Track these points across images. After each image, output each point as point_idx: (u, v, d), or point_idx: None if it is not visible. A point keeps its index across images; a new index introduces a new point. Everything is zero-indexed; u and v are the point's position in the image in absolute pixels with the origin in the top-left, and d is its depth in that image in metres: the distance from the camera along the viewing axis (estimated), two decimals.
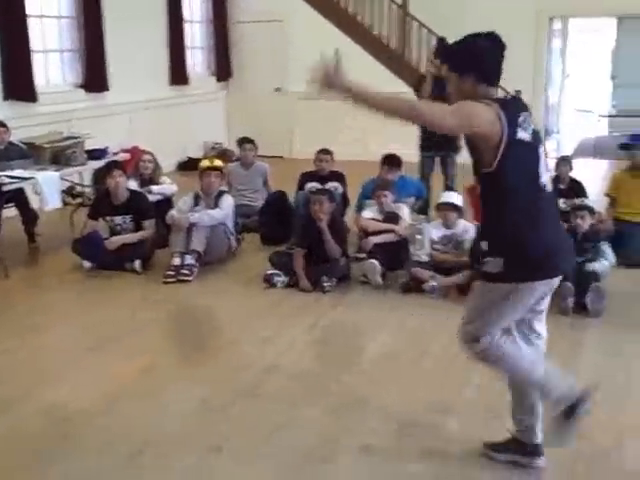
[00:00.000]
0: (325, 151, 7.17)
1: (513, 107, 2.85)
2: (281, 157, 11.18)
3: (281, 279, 5.66)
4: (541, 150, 2.93)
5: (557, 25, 12.09)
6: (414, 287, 5.49)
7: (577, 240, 5.27)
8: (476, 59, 2.87)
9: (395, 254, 5.83)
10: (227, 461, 3.34)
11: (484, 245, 2.95)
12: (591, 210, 5.51)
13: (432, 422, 3.61)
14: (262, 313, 5.24)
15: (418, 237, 5.76)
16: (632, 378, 4.08)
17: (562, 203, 6.83)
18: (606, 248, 5.24)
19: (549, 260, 2.90)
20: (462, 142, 7.21)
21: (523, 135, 2.79)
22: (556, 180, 7.08)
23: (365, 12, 11.19)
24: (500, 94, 2.97)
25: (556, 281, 3.00)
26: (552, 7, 10.98)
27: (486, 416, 3.63)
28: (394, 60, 11.01)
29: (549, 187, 2.95)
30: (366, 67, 10.90)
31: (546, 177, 2.92)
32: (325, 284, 5.52)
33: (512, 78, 9.99)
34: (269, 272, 5.70)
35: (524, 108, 2.90)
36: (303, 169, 7.42)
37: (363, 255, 5.89)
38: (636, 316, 4.98)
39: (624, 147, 6.63)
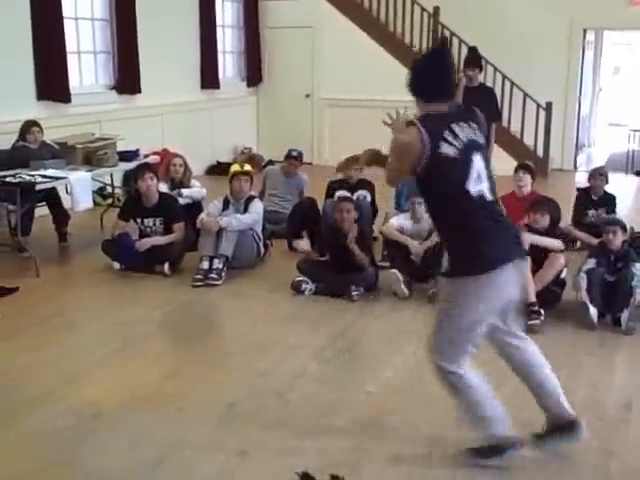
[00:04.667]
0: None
1: (440, 123, 3.02)
2: (310, 163, 11.17)
3: (309, 286, 5.67)
4: (475, 159, 3.03)
5: (590, 37, 11.96)
6: None
7: (609, 259, 5.22)
8: (414, 84, 3.15)
9: (423, 265, 5.78)
10: (252, 466, 3.34)
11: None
12: (623, 226, 5.43)
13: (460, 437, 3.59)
14: (289, 319, 5.26)
15: None
16: None
17: (592, 215, 6.84)
18: (638, 271, 5.15)
19: (482, 255, 3.01)
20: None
21: (447, 150, 2.96)
22: (589, 191, 7.06)
23: (397, 21, 11.18)
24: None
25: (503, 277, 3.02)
26: (586, 19, 10.87)
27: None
28: None
29: (487, 195, 3.05)
30: (397, 75, 10.95)
31: (480, 186, 3.02)
32: (353, 293, 5.52)
33: (544, 90, 10.16)
34: (297, 279, 5.71)
35: (459, 119, 3.07)
36: (332, 176, 7.40)
37: (387, 264, 5.88)
38: None
39: None
